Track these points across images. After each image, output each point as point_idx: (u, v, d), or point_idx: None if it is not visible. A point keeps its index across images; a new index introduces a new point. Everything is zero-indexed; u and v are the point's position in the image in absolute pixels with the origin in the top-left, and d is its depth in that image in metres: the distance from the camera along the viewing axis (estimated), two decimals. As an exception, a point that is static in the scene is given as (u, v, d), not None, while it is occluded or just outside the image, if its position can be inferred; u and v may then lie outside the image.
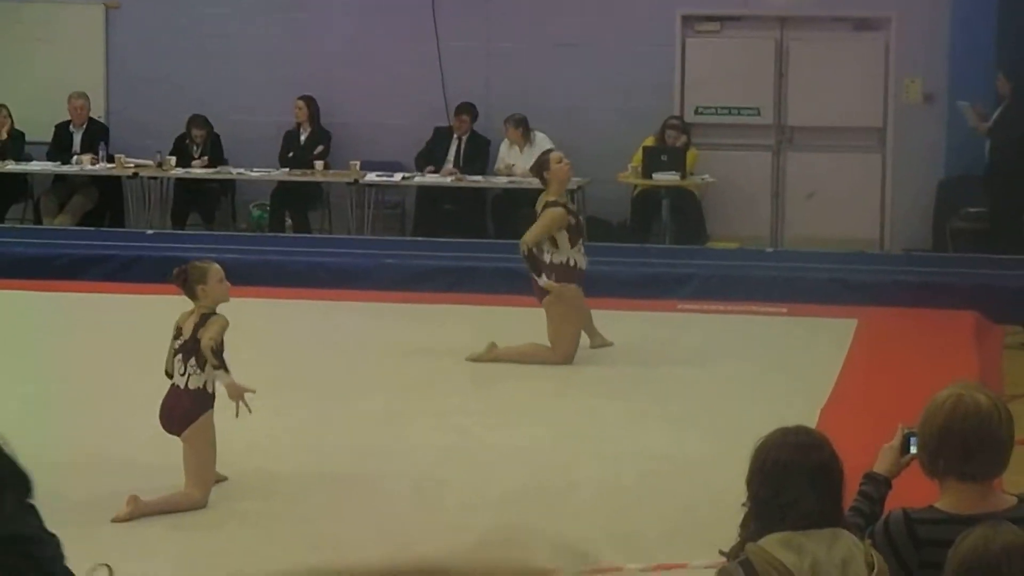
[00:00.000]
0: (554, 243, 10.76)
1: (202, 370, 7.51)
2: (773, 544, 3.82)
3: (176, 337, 7.60)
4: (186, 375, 7.53)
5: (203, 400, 7.53)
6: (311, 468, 8.20)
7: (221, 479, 7.75)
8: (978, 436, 4.08)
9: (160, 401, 7.64)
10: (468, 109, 16.17)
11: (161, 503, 7.43)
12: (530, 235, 10.69)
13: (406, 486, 7.91)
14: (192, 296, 7.59)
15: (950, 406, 4.12)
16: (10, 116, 16.54)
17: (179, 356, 7.57)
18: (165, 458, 7.73)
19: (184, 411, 7.52)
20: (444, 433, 8.93)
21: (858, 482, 4.39)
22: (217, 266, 7.71)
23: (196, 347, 7.51)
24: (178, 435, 7.54)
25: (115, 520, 7.26)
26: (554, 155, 11.19)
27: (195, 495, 7.49)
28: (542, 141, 15.77)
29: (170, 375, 7.66)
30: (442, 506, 7.55)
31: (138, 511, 7.32)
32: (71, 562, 3.06)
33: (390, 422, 9.17)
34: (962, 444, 4.08)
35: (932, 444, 4.13)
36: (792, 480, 3.86)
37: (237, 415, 7.48)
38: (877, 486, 4.42)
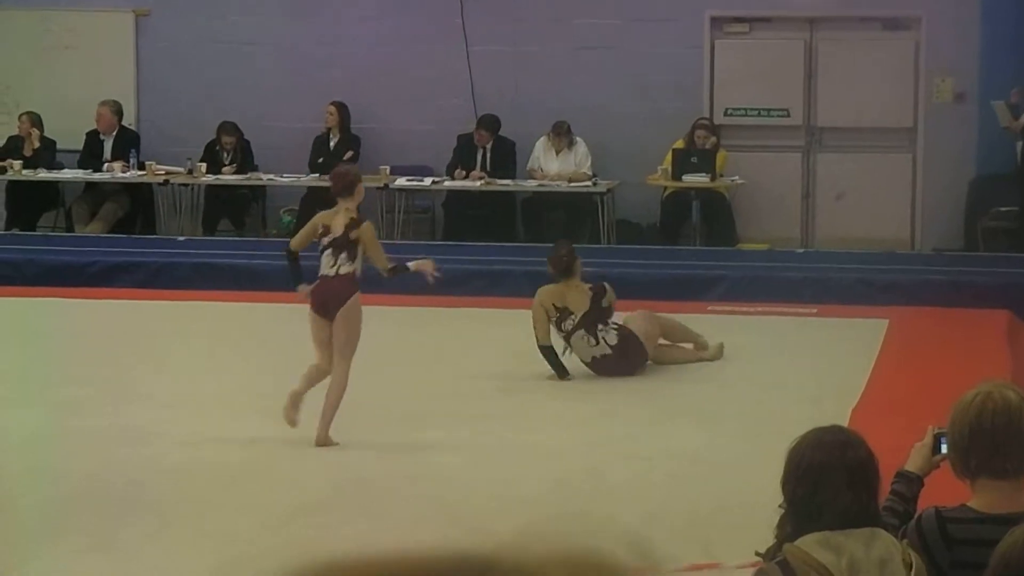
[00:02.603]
0: None
1: (352, 261, 8.57)
2: (811, 544, 3.80)
3: (324, 234, 8.55)
4: (336, 265, 8.58)
5: (353, 283, 8.64)
6: (342, 471, 8.22)
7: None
8: (1008, 432, 4.07)
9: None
10: (487, 123, 16.06)
11: (331, 407, 8.52)
12: None
13: (435, 489, 7.91)
14: (349, 194, 8.61)
15: (978, 404, 4.11)
16: (41, 124, 16.60)
17: (329, 250, 8.58)
18: (193, 460, 7.76)
19: (338, 292, 8.56)
20: (473, 436, 8.93)
21: (890, 481, 4.37)
22: None
23: (346, 242, 8.52)
24: (333, 317, 8.54)
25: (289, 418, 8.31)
26: None
27: (344, 369, 8.54)
28: (580, 145, 15.78)
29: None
30: (471, 508, 7.54)
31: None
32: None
33: (419, 425, 9.17)
34: (992, 441, 4.07)
35: (963, 443, 4.12)
36: (828, 479, 3.85)
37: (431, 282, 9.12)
38: (910, 484, 4.40)
